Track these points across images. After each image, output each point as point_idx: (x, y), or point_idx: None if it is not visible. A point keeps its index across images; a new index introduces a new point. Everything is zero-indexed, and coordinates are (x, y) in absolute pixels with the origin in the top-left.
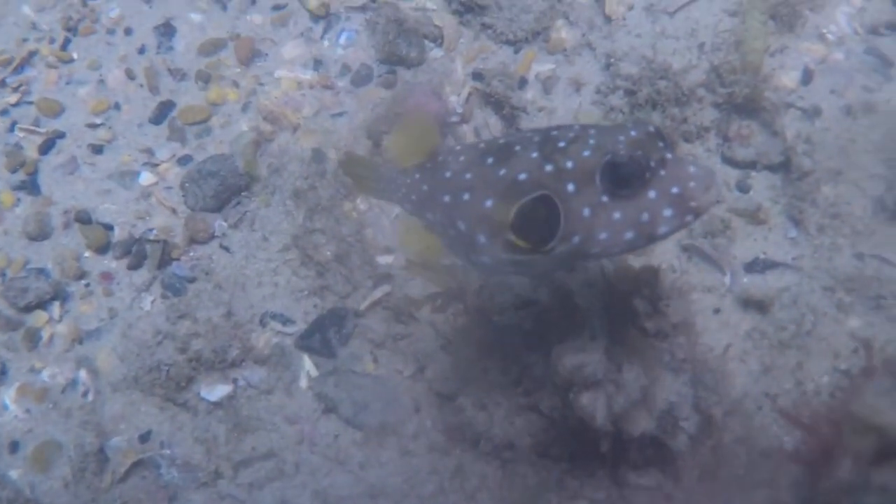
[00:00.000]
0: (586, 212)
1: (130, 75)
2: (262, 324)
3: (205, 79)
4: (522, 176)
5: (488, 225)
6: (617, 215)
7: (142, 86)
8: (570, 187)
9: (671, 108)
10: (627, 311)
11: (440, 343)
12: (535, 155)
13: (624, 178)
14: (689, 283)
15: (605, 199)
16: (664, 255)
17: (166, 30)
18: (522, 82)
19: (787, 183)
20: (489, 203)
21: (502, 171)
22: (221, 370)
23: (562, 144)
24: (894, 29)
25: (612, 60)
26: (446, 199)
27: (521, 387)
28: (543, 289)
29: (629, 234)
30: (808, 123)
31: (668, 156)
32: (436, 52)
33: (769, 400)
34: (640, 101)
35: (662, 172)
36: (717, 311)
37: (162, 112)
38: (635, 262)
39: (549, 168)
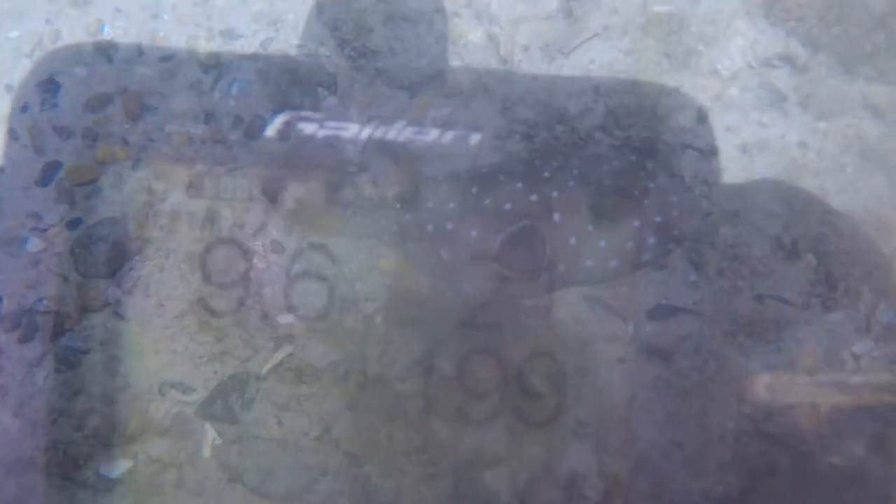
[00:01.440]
0: (572, 240)
1: (14, 136)
2: (162, 393)
3: (92, 136)
4: (507, 206)
5: (472, 254)
6: (602, 244)
7: (26, 146)
8: (556, 216)
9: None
10: (527, 386)
11: (345, 402)
12: (519, 185)
13: (609, 207)
14: (592, 334)
15: (590, 227)
16: (567, 306)
17: (50, 86)
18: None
19: None
20: (474, 233)
21: (487, 201)
22: (120, 445)
23: (546, 174)
24: (787, 60)
25: (508, 104)
26: (429, 228)
27: (426, 454)
28: (445, 358)
29: (614, 262)
30: (705, 163)
31: (651, 185)
32: (330, 101)
33: (676, 447)
34: (537, 146)
35: (646, 202)
36: (621, 361)
37: (48, 174)
38: (535, 330)
39: (534, 198)
